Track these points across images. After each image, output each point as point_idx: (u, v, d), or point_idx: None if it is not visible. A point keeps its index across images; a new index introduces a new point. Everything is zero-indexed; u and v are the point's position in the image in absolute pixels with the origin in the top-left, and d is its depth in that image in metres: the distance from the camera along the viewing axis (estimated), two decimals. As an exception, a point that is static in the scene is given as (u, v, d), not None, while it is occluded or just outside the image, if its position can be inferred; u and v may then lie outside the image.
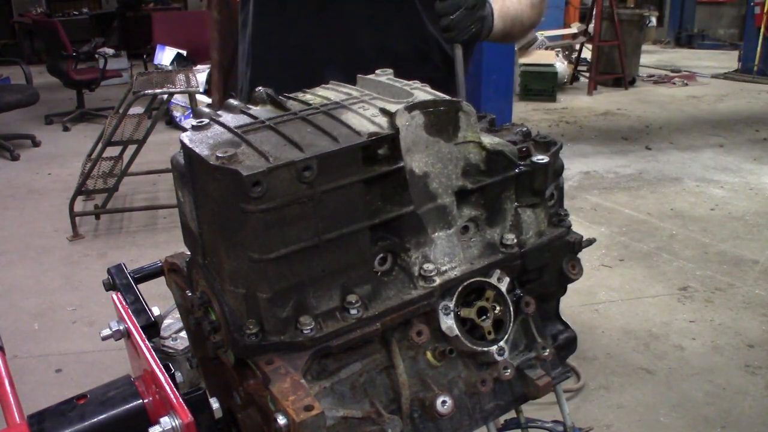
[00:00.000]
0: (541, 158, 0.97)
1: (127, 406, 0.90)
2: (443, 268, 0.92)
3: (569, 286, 1.06)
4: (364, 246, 0.86)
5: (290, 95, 1.03)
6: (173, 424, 0.82)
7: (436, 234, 0.92)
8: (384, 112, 0.89)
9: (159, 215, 4.82)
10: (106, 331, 1.06)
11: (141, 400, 0.90)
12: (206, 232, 0.89)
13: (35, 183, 5.70)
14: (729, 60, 11.17)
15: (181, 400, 0.84)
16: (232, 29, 1.93)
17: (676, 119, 7.62)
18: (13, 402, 0.91)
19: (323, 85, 1.06)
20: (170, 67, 7.24)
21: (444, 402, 0.89)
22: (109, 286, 1.19)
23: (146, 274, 1.23)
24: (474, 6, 1.32)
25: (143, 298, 1.15)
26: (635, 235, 4.39)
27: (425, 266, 0.90)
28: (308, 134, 0.85)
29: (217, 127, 0.90)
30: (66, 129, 7.43)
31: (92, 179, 4.66)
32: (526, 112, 7.92)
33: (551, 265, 1.01)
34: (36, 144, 6.81)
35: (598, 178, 5.58)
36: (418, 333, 0.90)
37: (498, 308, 0.95)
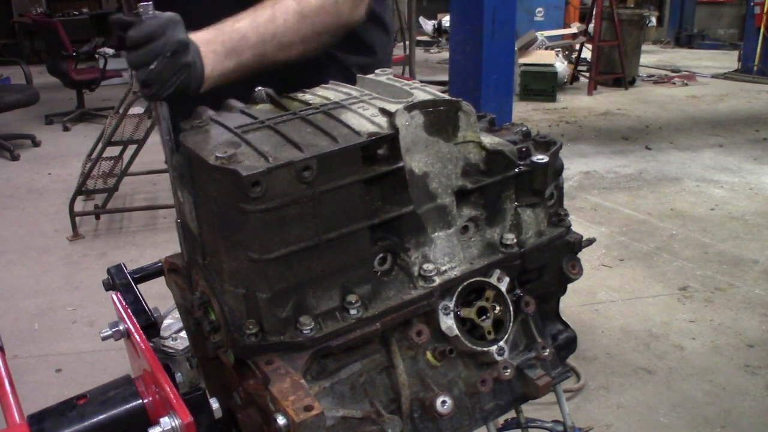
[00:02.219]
0: (541, 158, 0.97)
1: (127, 406, 0.90)
2: (443, 268, 0.92)
3: (569, 286, 1.06)
4: (364, 246, 0.86)
5: (290, 95, 1.03)
6: (173, 424, 0.82)
7: (436, 234, 0.92)
8: (383, 111, 0.89)
9: (159, 215, 4.81)
10: (106, 331, 1.06)
11: (141, 400, 0.90)
12: (206, 232, 0.89)
13: (35, 183, 5.70)
14: (729, 60, 11.17)
15: (181, 400, 0.84)
16: None
17: (676, 119, 7.62)
18: (13, 402, 0.91)
19: (323, 85, 1.06)
20: (170, 67, 7.20)
21: (444, 402, 0.89)
22: (109, 286, 1.19)
23: (146, 274, 1.23)
24: (175, 52, 1.03)
25: (143, 298, 1.15)
26: (635, 235, 4.39)
27: (425, 266, 0.90)
28: (308, 134, 0.85)
29: (216, 127, 0.90)
30: (66, 129, 7.42)
31: (92, 179, 4.66)
32: (526, 112, 7.92)
33: (551, 264, 1.01)
34: (36, 144, 6.80)
35: (598, 178, 5.58)
36: (418, 333, 0.90)
37: (498, 308, 0.95)
